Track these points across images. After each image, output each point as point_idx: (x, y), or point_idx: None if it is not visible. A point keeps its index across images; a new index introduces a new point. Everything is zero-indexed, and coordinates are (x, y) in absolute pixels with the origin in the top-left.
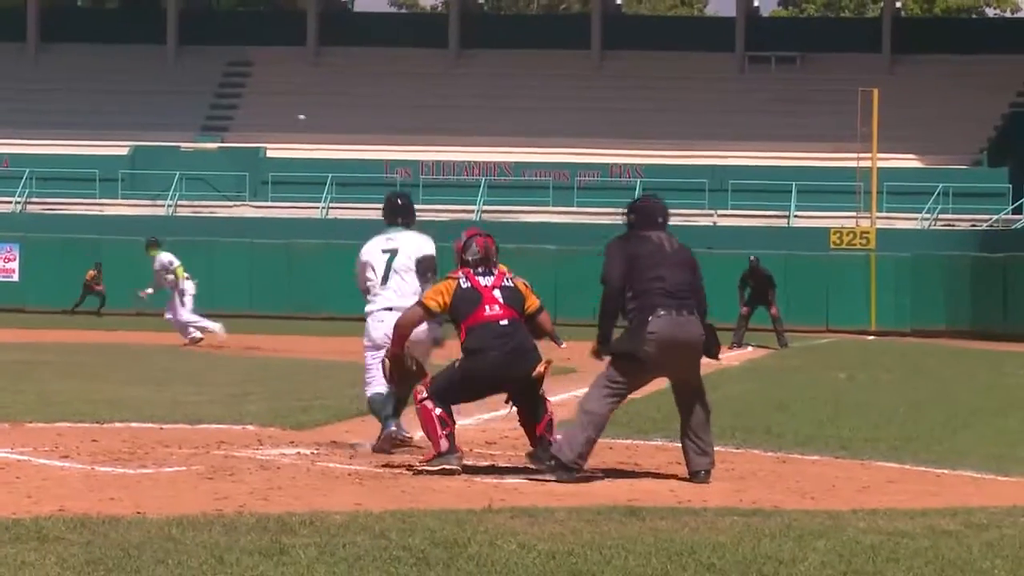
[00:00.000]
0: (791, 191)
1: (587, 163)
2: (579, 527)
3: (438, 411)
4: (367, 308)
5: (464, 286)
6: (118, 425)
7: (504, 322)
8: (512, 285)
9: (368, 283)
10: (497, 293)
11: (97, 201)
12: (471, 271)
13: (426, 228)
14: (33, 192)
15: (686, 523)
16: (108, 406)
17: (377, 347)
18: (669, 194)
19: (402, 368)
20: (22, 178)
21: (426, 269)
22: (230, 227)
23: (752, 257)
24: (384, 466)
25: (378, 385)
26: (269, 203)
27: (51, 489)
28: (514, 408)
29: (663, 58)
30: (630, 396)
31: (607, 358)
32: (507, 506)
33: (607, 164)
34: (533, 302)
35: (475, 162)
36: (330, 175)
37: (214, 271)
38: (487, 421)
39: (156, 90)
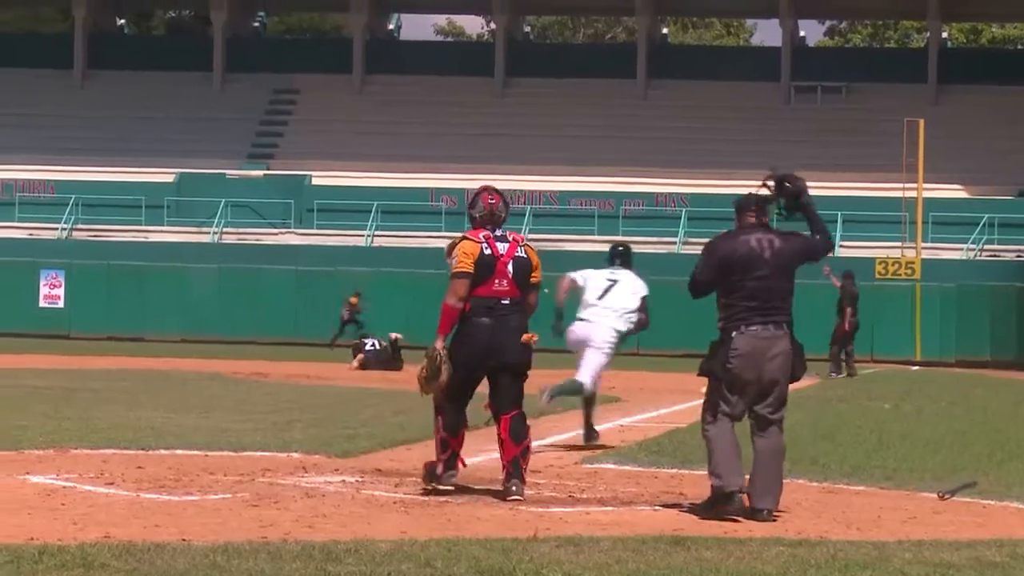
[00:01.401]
0: (837, 221)
1: (633, 192)
2: (624, 556)
3: (443, 432)
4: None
5: (486, 252)
6: (163, 452)
7: (505, 300)
8: (524, 256)
9: (574, 295)
10: (510, 267)
11: (143, 228)
12: (490, 235)
13: None
14: (79, 219)
15: (731, 553)
16: (153, 433)
17: (576, 344)
18: (714, 223)
19: (438, 365)
20: (68, 205)
21: (642, 308)
22: (275, 254)
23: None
24: (430, 494)
25: (584, 376)
26: (314, 230)
27: (96, 516)
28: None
29: (709, 88)
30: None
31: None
32: (552, 535)
33: (652, 193)
34: (537, 276)
35: (520, 191)
36: (375, 203)
37: (259, 298)
38: (532, 450)
39: (202, 117)
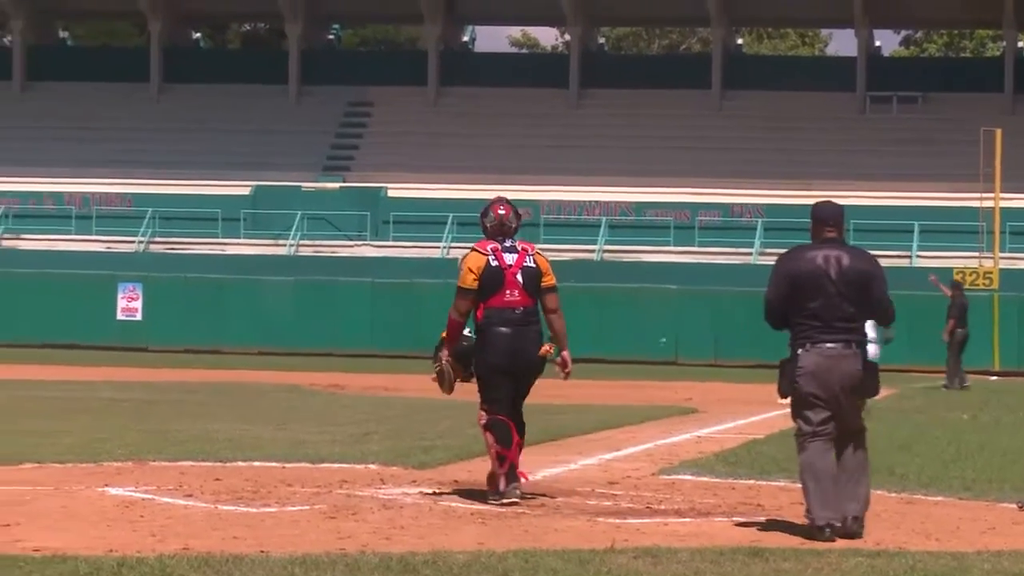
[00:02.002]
0: (913, 231)
1: (708, 203)
2: (702, 568)
3: (497, 446)
4: None
5: (492, 265)
6: (241, 464)
7: (518, 310)
8: (534, 265)
9: None
10: (519, 277)
11: (219, 240)
12: (499, 247)
13: None
14: (156, 232)
15: (809, 564)
16: (231, 445)
17: None
18: (790, 234)
19: (444, 371)
20: (145, 218)
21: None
22: (351, 267)
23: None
24: (506, 505)
25: None
26: (390, 242)
27: (175, 527)
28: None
29: (784, 98)
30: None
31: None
32: (630, 546)
33: (728, 204)
34: (549, 280)
35: (596, 202)
36: (451, 215)
37: (335, 311)
38: (609, 461)
39: (277, 130)
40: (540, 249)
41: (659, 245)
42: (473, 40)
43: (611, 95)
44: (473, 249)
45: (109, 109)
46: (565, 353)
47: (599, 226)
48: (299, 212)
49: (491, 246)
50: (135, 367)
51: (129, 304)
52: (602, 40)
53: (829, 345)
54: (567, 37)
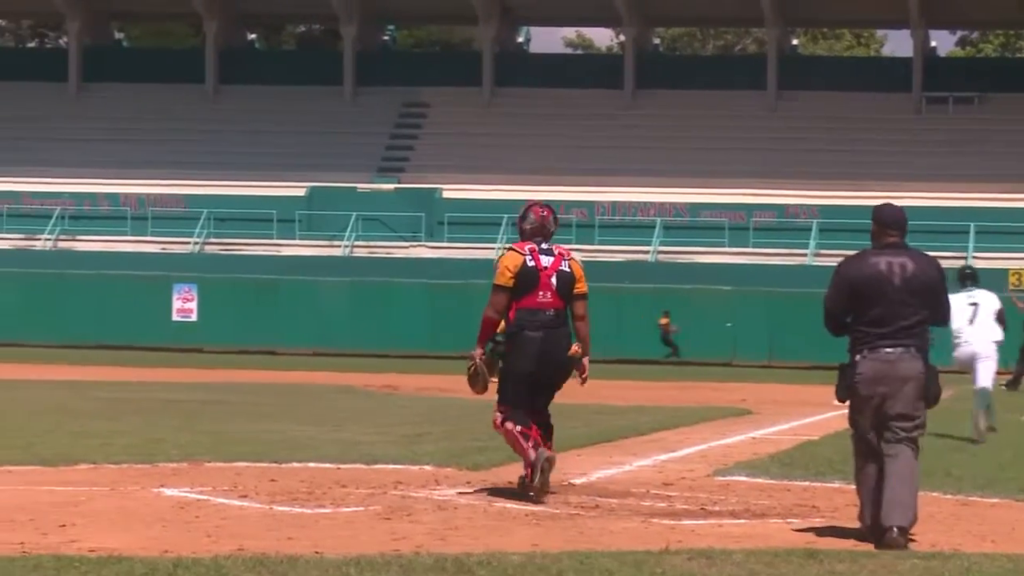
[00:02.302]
0: (969, 232)
1: (763, 204)
2: (757, 569)
3: (518, 427)
4: (955, 342)
5: (529, 265)
6: (296, 465)
7: (550, 312)
8: (568, 270)
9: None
10: (553, 280)
11: (274, 241)
12: (536, 248)
13: (602, 269)
14: (211, 233)
15: (864, 566)
16: (286, 446)
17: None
18: (845, 235)
19: (478, 370)
20: (200, 219)
21: (999, 319)
22: (406, 268)
23: None
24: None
25: (986, 382)
26: (445, 243)
27: (230, 528)
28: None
29: (839, 99)
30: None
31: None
32: (684, 547)
33: (783, 205)
34: (582, 287)
35: (650, 203)
36: (506, 216)
37: (391, 312)
38: (664, 462)
39: (333, 131)
40: (593, 249)
41: (714, 246)
42: (528, 41)
43: (666, 96)
44: (511, 248)
45: (164, 110)
46: (585, 360)
47: (654, 227)
48: (354, 213)
49: (529, 247)
50: (190, 368)
51: (184, 305)
52: (657, 41)
53: (888, 350)
54: (622, 38)
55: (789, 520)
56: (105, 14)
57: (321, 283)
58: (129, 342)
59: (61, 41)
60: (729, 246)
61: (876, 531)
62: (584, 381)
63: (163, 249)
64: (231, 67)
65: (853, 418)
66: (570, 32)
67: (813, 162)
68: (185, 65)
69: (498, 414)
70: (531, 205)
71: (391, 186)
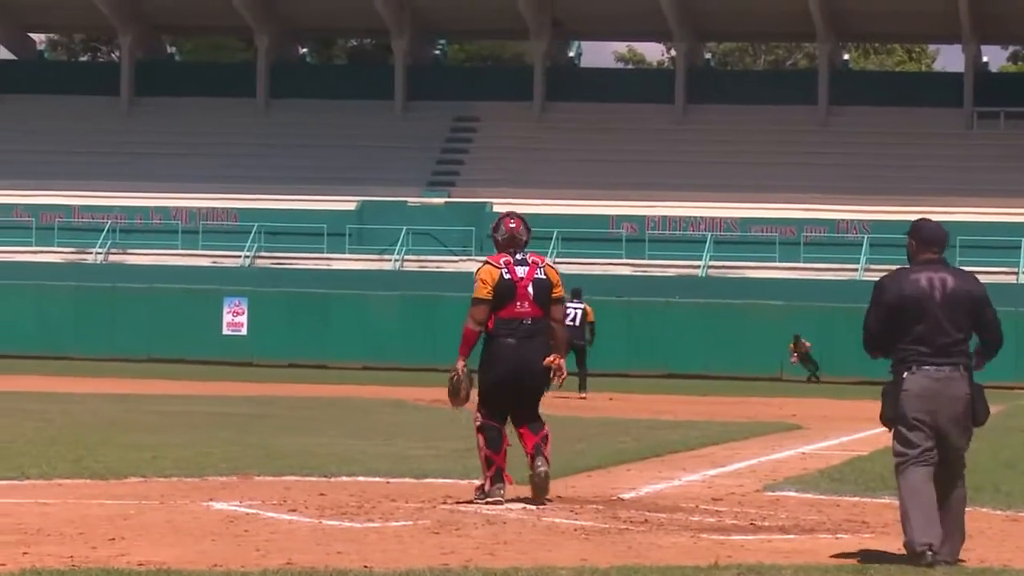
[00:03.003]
0: (1020, 247)
1: (814, 219)
2: None
3: (486, 450)
4: None
5: (505, 278)
6: (345, 479)
7: (528, 320)
8: (544, 276)
9: None
10: (530, 289)
11: (325, 256)
12: (511, 260)
13: (651, 283)
14: (261, 246)
15: None
16: (335, 460)
17: None
18: (897, 250)
19: (459, 381)
20: (251, 233)
21: None
22: (457, 282)
23: None
24: (610, 521)
25: None
26: None
27: (279, 542)
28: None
29: (890, 114)
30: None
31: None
32: (733, 563)
33: (834, 220)
34: (558, 292)
35: (701, 217)
36: (556, 230)
37: (440, 326)
38: (713, 477)
39: (383, 145)
40: (643, 264)
41: (765, 261)
42: (579, 55)
43: (717, 111)
44: (487, 262)
45: (216, 124)
46: (560, 362)
47: (704, 242)
48: (404, 227)
49: (504, 259)
50: (240, 381)
51: (235, 319)
52: (708, 55)
53: (936, 368)
54: (673, 53)
55: (839, 536)
56: (157, 28)
57: (371, 297)
58: (179, 355)
59: (113, 55)
60: (780, 261)
61: (911, 555)
62: (561, 383)
63: (214, 263)
64: (282, 81)
65: (898, 436)
66: (621, 47)
67: (864, 177)
68: (237, 79)
69: (478, 415)
70: (502, 217)
71: (441, 200)
